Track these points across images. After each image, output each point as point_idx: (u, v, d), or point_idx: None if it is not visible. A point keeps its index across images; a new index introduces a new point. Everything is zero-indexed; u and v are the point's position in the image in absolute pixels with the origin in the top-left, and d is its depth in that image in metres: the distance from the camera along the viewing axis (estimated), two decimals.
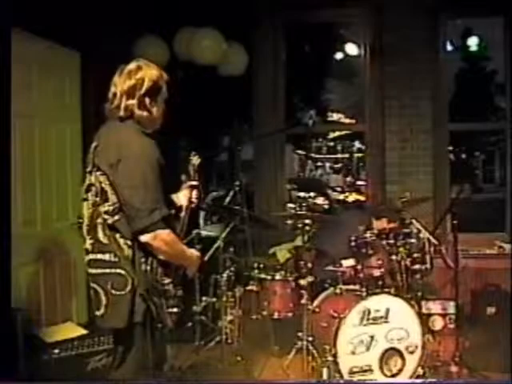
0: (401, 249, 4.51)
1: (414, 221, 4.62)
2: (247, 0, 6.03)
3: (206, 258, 4.72)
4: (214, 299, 4.93)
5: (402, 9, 6.06)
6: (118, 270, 2.72)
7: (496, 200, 7.55)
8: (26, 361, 3.72)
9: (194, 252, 2.98)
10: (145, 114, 2.85)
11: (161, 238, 2.70)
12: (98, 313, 2.80)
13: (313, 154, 18.29)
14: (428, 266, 4.56)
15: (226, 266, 4.78)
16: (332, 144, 21.93)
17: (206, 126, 6.42)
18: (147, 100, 2.86)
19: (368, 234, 4.62)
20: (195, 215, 6.19)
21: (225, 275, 4.71)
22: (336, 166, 22.19)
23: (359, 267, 4.50)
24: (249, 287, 4.73)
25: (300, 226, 4.62)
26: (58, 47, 4.68)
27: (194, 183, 3.28)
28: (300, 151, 17.37)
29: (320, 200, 9.57)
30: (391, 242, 4.56)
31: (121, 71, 2.89)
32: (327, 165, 22.62)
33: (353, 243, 4.62)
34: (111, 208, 2.73)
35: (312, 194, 9.00)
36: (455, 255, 4.50)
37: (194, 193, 3.27)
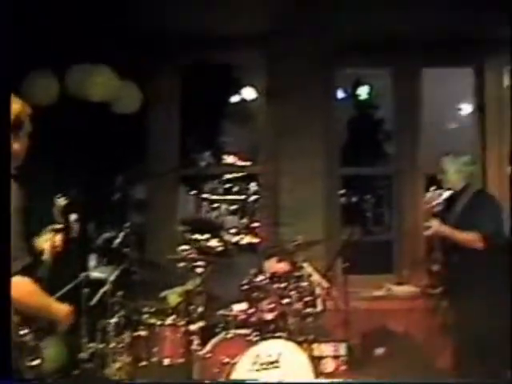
0: (292, 292, 4.52)
1: (305, 264, 4.67)
2: (144, 39, 5.96)
3: (93, 303, 4.54)
4: (102, 345, 4.71)
5: (297, 56, 6.20)
6: None
7: (384, 242, 7.76)
8: None
9: (62, 307, 2.78)
10: None
11: (19, 289, 2.47)
12: None
13: (208, 196, 18.24)
14: (319, 308, 4.60)
15: (115, 310, 4.60)
16: (228, 185, 21.99)
17: (98, 164, 6.24)
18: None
19: (260, 278, 4.61)
20: (83, 258, 5.96)
21: (113, 320, 4.53)
22: (232, 207, 22.22)
23: (251, 311, 4.46)
24: (138, 332, 4.55)
25: (192, 269, 4.54)
26: None
27: (57, 227, 3.19)
28: (195, 192, 17.28)
29: (214, 242, 9.49)
30: (283, 285, 4.57)
31: None
32: (223, 206, 22.61)
33: (245, 287, 4.61)
34: None
35: (206, 236, 8.92)
36: (345, 297, 4.55)
37: (58, 237, 3.17)
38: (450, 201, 4.50)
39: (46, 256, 3.01)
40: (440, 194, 4.54)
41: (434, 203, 4.53)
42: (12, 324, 2.52)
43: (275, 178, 6.32)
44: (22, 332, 2.60)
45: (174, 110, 6.59)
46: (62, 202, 3.26)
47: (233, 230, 16.14)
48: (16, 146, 2.72)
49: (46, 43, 5.46)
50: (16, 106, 2.74)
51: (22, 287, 2.50)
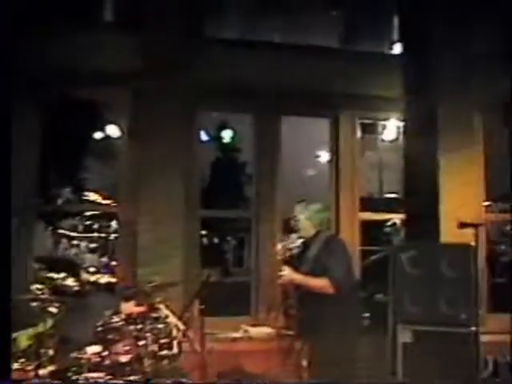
0: (148, 334, 4.48)
1: (161, 305, 4.65)
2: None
3: None
4: None
5: (160, 95, 6.26)
6: None
7: (244, 284, 7.89)
8: None
9: None
10: None
11: None
12: None
13: (68, 232, 17.65)
14: (175, 351, 4.59)
15: None
16: (89, 223, 21.41)
17: None
18: None
19: (115, 319, 4.54)
20: None
21: None
22: (92, 245, 21.61)
23: (105, 353, 4.36)
24: None
25: (45, 309, 4.38)
26: None
27: None
28: (54, 229, 16.68)
29: (70, 281, 9.20)
30: (139, 327, 4.52)
31: None
32: (83, 244, 21.93)
33: (99, 328, 4.51)
34: None
35: (62, 275, 8.64)
36: (202, 339, 4.57)
37: None
38: (303, 247, 4.66)
39: None
40: (294, 240, 4.68)
41: (288, 249, 4.67)
42: None
43: (134, 217, 6.27)
44: None
45: (34, 145, 6.39)
46: None
47: (92, 269, 15.74)
48: None
49: None
50: None
51: None
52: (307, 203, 4.58)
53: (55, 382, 3.70)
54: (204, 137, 7.25)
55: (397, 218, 7.88)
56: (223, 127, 8.14)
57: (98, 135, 8.83)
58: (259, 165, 6.99)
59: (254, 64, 6.57)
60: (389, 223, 9.80)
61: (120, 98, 6.56)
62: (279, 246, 4.73)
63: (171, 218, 6.25)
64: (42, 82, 6.13)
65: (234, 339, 6.18)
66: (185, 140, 6.47)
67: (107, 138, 8.04)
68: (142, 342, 4.47)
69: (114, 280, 7.69)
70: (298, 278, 4.41)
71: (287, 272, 4.43)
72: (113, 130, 7.45)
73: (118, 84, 6.33)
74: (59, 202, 5.31)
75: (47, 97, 6.46)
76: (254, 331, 6.30)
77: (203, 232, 8.25)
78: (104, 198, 9.65)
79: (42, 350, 4.29)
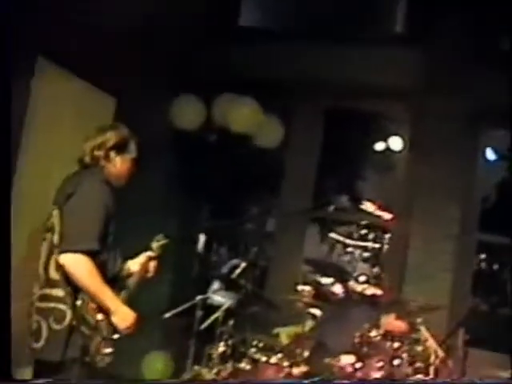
0: (404, 355, 4.31)
1: (422, 327, 4.42)
2: (290, 79, 6.09)
3: (204, 327, 4.63)
4: (205, 370, 4.76)
5: (444, 112, 5.99)
6: (60, 305, 2.86)
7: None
8: None
9: (124, 310, 2.98)
10: (108, 165, 3.16)
11: (77, 263, 2.81)
12: (36, 345, 2.90)
13: (342, 239, 18.05)
14: (431, 377, 4.33)
15: (223, 338, 4.64)
16: (364, 232, 21.66)
17: (232, 193, 6.45)
18: (112, 153, 3.17)
19: (374, 333, 4.45)
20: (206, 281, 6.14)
21: (219, 348, 4.56)
22: (365, 254, 21.83)
23: (358, 365, 4.31)
24: (241, 365, 4.54)
25: (309, 312, 4.51)
26: (95, 90, 4.78)
27: (153, 255, 3.35)
28: (331, 234, 17.20)
29: (337, 288, 9.32)
30: (396, 345, 4.37)
31: (98, 129, 3.26)
32: (357, 252, 22.27)
33: (357, 340, 4.46)
34: (57, 242, 2.91)
35: (330, 280, 8.80)
36: (463, 371, 4.27)
37: (152, 264, 3.36)
38: None
39: (133, 279, 3.22)
40: None
41: None
42: (87, 307, 2.85)
43: (406, 232, 6.10)
44: (98, 317, 2.89)
45: (312, 150, 6.61)
46: (161, 239, 3.40)
47: (362, 278, 15.88)
48: (118, 164, 3.19)
49: (197, 70, 5.75)
50: (124, 131, 3.26)
51: (80, 264, 2.82)
52: None
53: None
54: (491, 156, 6.79)
55: None
56: None
57: (378, 146, 8.83)
58: None
59: None
60: None
61: (402, 111, 6.46)
62: None
63: (444, 237, 5.94)
64: (326, 90, 6.30)
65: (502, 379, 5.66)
66: (467, 159, 6.11)
67: (389, 150, 7.99)
68: (396, 362, 4.32)
69: (379, 292, 7.61)
70: None
71: None
72: (395, 143, 7.37)
73: (401, 97, 6.24)
74: (331, 208, 5.41)
75: (329, 106, 6.64)
76: None
77: (481, 257, 7.73)
78: (379, 209, 9.62)
79: (298, 350, 4.38)
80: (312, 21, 6.30)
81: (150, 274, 3.36)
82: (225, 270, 8.54)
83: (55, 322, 2.84)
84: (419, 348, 4.39)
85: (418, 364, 4.32)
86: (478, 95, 5.93)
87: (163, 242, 3.38)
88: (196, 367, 4.83)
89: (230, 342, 4.64)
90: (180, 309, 4.81)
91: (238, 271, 4.91)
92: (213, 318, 4.69)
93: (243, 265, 4.99)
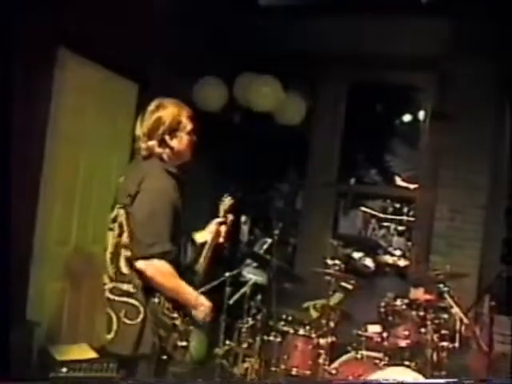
0: (429, 322, 4.35)
1: (447, 295, 4.45)
2: (313, 53, 6.09)
3: (232, 302, 4.73)
4: (235, 344, 4.89)
5: (468, 80, 5.95)
6: (133, 301, 2.83)
7: None
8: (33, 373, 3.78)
9: (201, 300, 2.99)
10: (166, 151, 2.99)
11: (155, 268, 2.78)
12: (108, 336, 2.91)
13: (375, 213, 18.00)
14: (457, 344, 4.38)
15: (252, 313, 4.76)
16: (398, 206, 21.47)
17: (258, 171, 6.51)
18: (167, 137, 2.98)
19: (398, 302, 4.50)
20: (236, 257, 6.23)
21: (248, 322, 4.68)
22: (400, 228, 21.66)
23: (385, 335, 4.38)
24: (270, 338, 4.65)
25: (339, 285, 4.59)
26: (118, 77, 4.86)
27: (221, 220, 3.34)
28: (365, 209, 17.14)
29: (368, 261, 9.39)
30: (421, 313, 4.42)
31: (143, 113, 3.04)
32: (392, 226, 22.11)
33: (382, 309, 4.52)
34: (127, 241, 2.85)
35: (361, 254, 8.88)
36: (490, 338, 4.29)
37: (223, 228, 3.33)
38: None
39: (207, 247, 3.19)
40: None
41: None
42: (163, 308, 2.86)
43: (433, 203, 6.10)
44: (172, 315, 2.89)
45: (337, 125, 6.64)
46: (228, 201, 3.41)
47: (398, 252, 15.80)
48: (176, 145, 3.01)
49: (218, 52, 5.80)
50: (171, 109, 3.03)
51: (158, 266, 2.78)
52: None
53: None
54: None
55: None
56: None
57: (405, 118, 8.82)
58: None
59: None
60: None
61: (427, 81, 6.42)
62: None
63: (471, 207, 5.93)
64: (349, 64, 6.30)
65: None
66: (495, 127, 6.05)
67: (414, 121, 7.97)
68: (423, 330, 4.37)
69: (407, 264, 7.65)
70: None
71: None
72: (420, 114, 7.34)
73: (426, 67, 6.19)
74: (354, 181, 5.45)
75: (353, 79, 6.64)
76: None
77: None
78: (408, 183, 9.59)
79: (324, 321, 4.46)
80: None
81: (221, 240, 3.33)
82: (256, 248, 8.68)
83: (127, 316, 2.82)
84: (445, 316, 4.43)
85: (444, 331, 4.36)
86: (505, 62, 5.86)
87: (230, 202, 3.37)
88: (228, 342, 4.97)
89: (258, 317, 4.74)
90: (209, 285, 4.92)
91: (264, 247, 5.00)
92: (240, 292, 4.80)
93: (269, 241, 5.08)
